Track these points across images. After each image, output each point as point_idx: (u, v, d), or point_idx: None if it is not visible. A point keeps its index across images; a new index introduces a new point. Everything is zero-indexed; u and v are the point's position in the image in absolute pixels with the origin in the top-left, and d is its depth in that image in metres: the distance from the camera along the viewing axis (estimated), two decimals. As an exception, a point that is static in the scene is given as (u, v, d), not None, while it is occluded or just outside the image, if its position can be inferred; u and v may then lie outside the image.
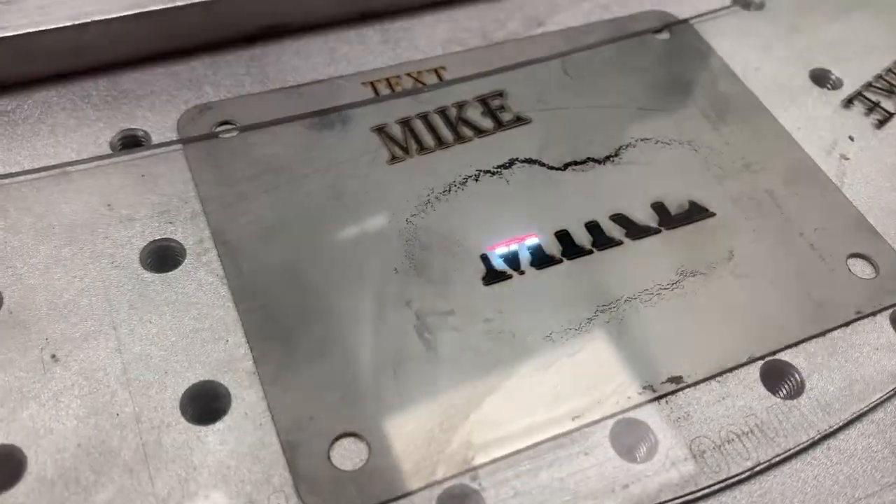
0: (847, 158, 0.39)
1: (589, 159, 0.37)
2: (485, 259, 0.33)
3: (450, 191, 0.35)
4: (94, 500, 0.27)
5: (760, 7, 0.46)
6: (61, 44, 0.36)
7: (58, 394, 0.29)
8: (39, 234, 0.32)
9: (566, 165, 0.37)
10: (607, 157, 0.37)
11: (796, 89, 0.42)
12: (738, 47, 0.43)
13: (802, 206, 0.37)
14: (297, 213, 0.34)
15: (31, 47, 0.36)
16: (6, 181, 0.34)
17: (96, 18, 0.36)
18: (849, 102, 0.42)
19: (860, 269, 0.35)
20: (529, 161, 0.37)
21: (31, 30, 0.35)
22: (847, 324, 0.33)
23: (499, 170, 0.36)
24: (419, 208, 0.35)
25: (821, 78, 0.43)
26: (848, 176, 0.38)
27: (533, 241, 0.34)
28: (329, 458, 0.28)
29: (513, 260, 0.33)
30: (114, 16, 0.36)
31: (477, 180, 0.36)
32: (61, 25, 0.35)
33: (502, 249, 0.33)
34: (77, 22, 0.36)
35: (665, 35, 0.43)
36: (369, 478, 0.28)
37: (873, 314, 0.34)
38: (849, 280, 0.35)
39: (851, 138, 0.40)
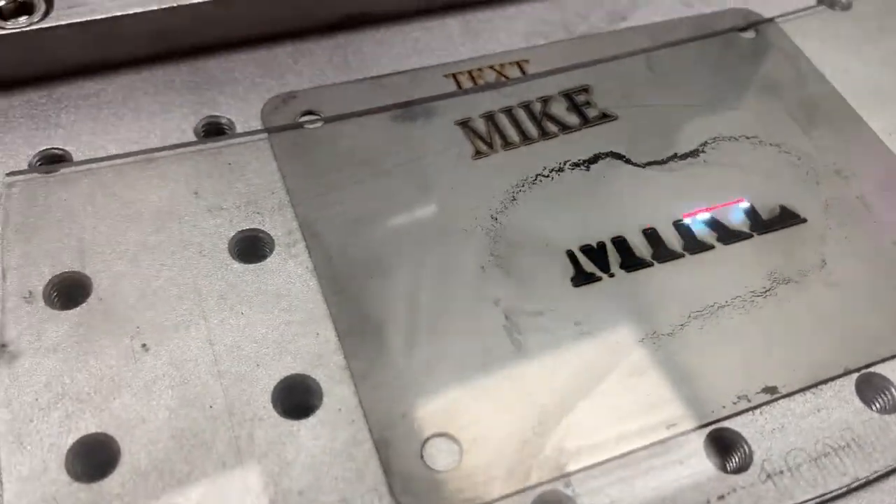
0: (941, 166, 0.38)
1: (675, 156, 0.36)
2: (572, 257, 0.33)
3: (535, 185, 0.35)
4: (188, 493, 0.26)
5: (847, 7, 0.45)
6: (147, 27, 0.36)
7: (149, 383, 0.28)
8: (127, 221, 0.32)
9: (653, 163, 0.36)
10: (693, 154, 0.37)
11: (887, 93, 0.41)
12: (826, 48, 0.42)
13: (894, 212, 0.36)
14: (383, 207, 0.34)
15: (117, 30, 0.36)
16: (94, 166, 0.34)
17: (184, 2, 0.35)
18: (941, 107, 0.40)
19: (957, 281, 0.34)
20: (616, 156, 0.36)
21: (117, 13, 0.35)
22: (945, 337, 0.32)
23: (584, 164, 0.36)
24: (504, 204, 0.34)
25: (912, 81, 0.42)
26: (942, 184, 0.37)
27: (620, 237, 0.33)
28: (422, 457, 0.28)
29: (602, 261, 0.33)
30: (201, 0, 0.36)
31: (561, 173, 0.35)
32: (149, 9, 0.35)
33: (588, 245, 0.33)
34: (164, 6, 0.35)
35: (750, 34, 0.42)
36: (463, 479, 0.27)
37: (972, 328, 0.33)
38: (945, 292, 0.34)
39: (945, 145, 0.39)
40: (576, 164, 0.36)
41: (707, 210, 0.34)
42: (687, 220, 0.34)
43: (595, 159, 0.36)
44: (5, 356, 0.28)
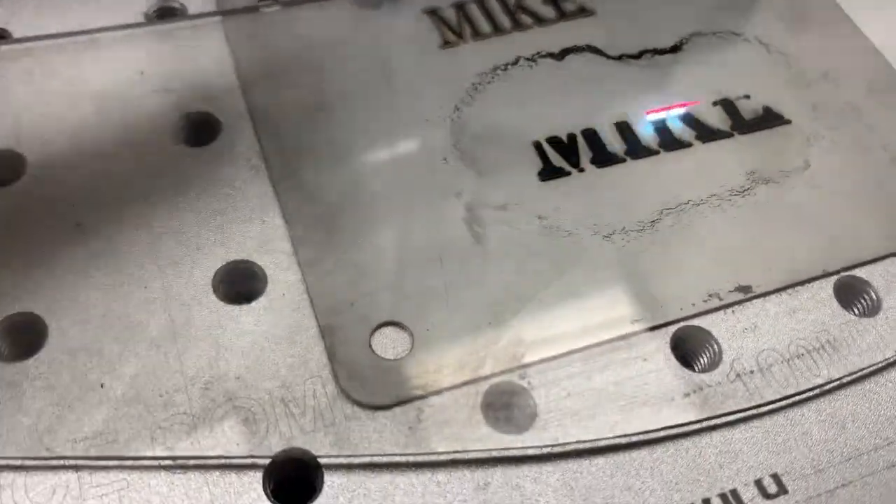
0: (935, 73, 0.36)
1: (654, 51, 0.34)
2: (540, 150, 0.31)
3: (504, 75, 0.33)
4: (118, 373, 0.25)
5: (844, -88, 0.42)
6: None
7: (83, 263, 0.27)
8: (66, 100, 0.30)
9: (630, 57, 0.34)
10: (672, 50, 0.35)
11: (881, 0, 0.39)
12: (820, -48, 0.40)
13: (885, 118, 0.34)
14: (341, 95, 0.32)
15: None
16: (33, 44, 0.32)
17: None
18: (938, 15, 0.38)
19: (946, 187, 0.32)
20: (591, 49, 0.34)
21: None
22: (929, 243, 0.31)
23: (557, 56, 0.34)
24: (470, 95, 0.32)
25: (908, -11, 0.39)
26: (935, 91, 0.35)
27: (590, 130, 0.31)
28: (370, 345, 0.26)
29: (572, 156, 0.31)
30: None
31: (532, 65, 0.33)
32: None
33: (556, 138, 0.31)
34: None
35: (742, -66, 0.40)
36: (412, 369, 0.26)
37: (958, 235, 0.31)
38: (933, 199, 0.32)
39: (939, 53, 0.37)
40: (549, 55, 0.34)
41: (681, 106, 0.32)
42: (661, 115, 0.32)
43: (568, 51, 0.34)
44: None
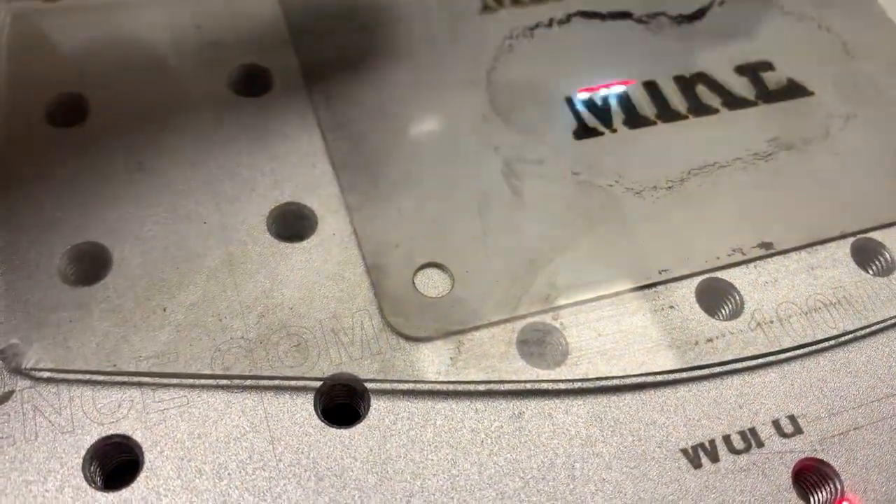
0: (953, 52, 0.37)
1: (684, 17, 0.36)
2: (574, 110, 0.32)
3: (536, 35, 0.34)
4: (178, 299, 0.26)
5: None
6: None
7: (145, 199, 0.28)
8: (127, 49, 0.32)
9: (659, 21, 0.36)
10: (702, 16, 0.36)
11: (904, -20, 0.40)
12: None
13: (904, 94, 0.35)
14: (385, 52, 0.33)
15: None
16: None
17: None
18: (958, -1, 0.40)
19: (961, 159, 0.34)
20: (621, 16, 0.36)
21: None
22: (943, 211, 0.32)
23: (587, 16, 0.35)
24: (506, 55, 0.34)
25: (930, -28, 0.41)
26: (953, 70, 0.37)
27: (621, 89, 0.33)
28: (413, 284, 0.28)
29: (605, 117, 0.32)
30: None
31: (565, 27, 0.35)
32: None
33: (588, 95, 0.33)
34: None
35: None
36: (452, 306, 0.27)
37: (971, 203, 0.33)
38: (948, 170, 0.33)
39: (959, 34, 0.38)
40: (582, 13, 0.35)
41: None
42: (687, 78, 0.34)
43: (599, 16, 0.36)
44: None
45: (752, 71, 0.35)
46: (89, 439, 0.24)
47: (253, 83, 0.32)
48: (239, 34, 0.33)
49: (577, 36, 0.35)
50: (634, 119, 0.33)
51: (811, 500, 0.26)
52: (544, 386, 0.26)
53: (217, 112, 0.31)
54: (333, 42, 0.33)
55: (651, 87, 0.34)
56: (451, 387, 0.26)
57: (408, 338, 0.27)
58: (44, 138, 0.29)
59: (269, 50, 0.33)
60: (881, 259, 0.31)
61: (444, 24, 0.34)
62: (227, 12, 0.33)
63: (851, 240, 0.31)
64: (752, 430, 0.26)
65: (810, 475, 0.26)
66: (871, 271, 0.31)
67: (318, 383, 0.25)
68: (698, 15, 0.36)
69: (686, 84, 0.34)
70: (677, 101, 0.33)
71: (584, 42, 0.35)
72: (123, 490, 0.23)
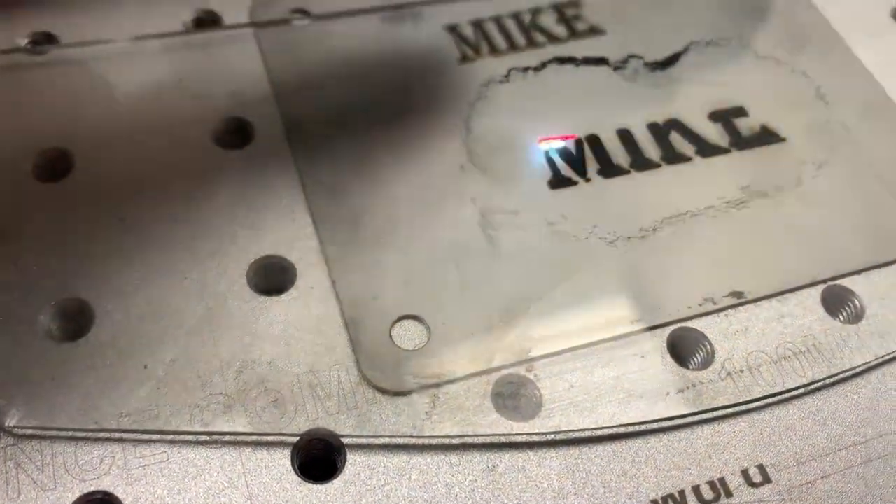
0: (924, 97, 0.38)
1: (658, 65, 0.37)
2: (548, 157, 0.33)
3: (511, 83, 0.35)
4: (159, 356, 0.27)
5: (845, -61, 0.44)
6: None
7: (127, 254, 0.29)
8: (110, 102, 0.33)
9: (636, 70, 0.36)
10: (675, 63, 0.37)
11: (876, 26, 0.41)
12: (819, -23, 0.42)
13: (875, 140, 0.36)
14: (365, 104, 0.34)
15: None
16: (79, 50, 0.34)
17: None
18: (929, 42, 0.41)
19: (930, 205, 0.35)
20: (596, 61, 0.36)
21: None
22: (912, 257, 0.33)
23: (562, 62, 0.36)
24: (481, 104, 0.35)
25: (903, 16, 0.42)
26: (923, 114, 0.38)
27: (594, 138, 0.34)
28: (391, 336, 0.28)
29: (579, 166, 0.33)
30: None
31: (539, 71, 0.36)
32: None
33: (560, 144, 0.34)
34: None
35: (747, -40, 0.42)
36: (428, 359, 0.28)
37: (940, 250, 0.33)
38: (918, 215, 0.34)
39: (930, 78, 0.39)
40: (557, 60, 0.36)
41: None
42: (661, 126, 0.35)
43: (574, 62, 0.36)
44: (-14, 221, 0.29)
45: (725, 117, 0.36)
46: (71, 496, 0.25)
47: (235, 136, 0.33)
48: (221, 87, 0.34)
49: (552, 83, 0.36)
50: (608, 168, 0.33)
51: (778, 550, 0.26)
52: (518, 439, 0.27)
53: (199, 165, 0.31)
54: (315, 94, 0.34)
55: (625, 135, 0.34)
56: (426, 440, 0.26)
57: (384, 391, 0.27)
58: (28, 193, 0.30)
59: (252, 103, 0.33)
60: (850, 306, 0.32)
61: (424, 74, 0.35)
62: (209, 65, 0.34)
63: (822, 287, 0.32)
64: (722, 480, 0.27)
65: (778, 525, 0.27)
66: (840, 318, 0.31)
67: (296, 438, 0.26)
68: (672, 61, 0.37)
69: (660, 131, 0.35)
70: (651, 149, 0.34)
71: (558, 89, 0.36)
72: (103, 548, 0.24)
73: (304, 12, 0.36)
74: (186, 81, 0.34)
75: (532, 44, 0.37)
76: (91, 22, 0.35)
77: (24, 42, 0.34)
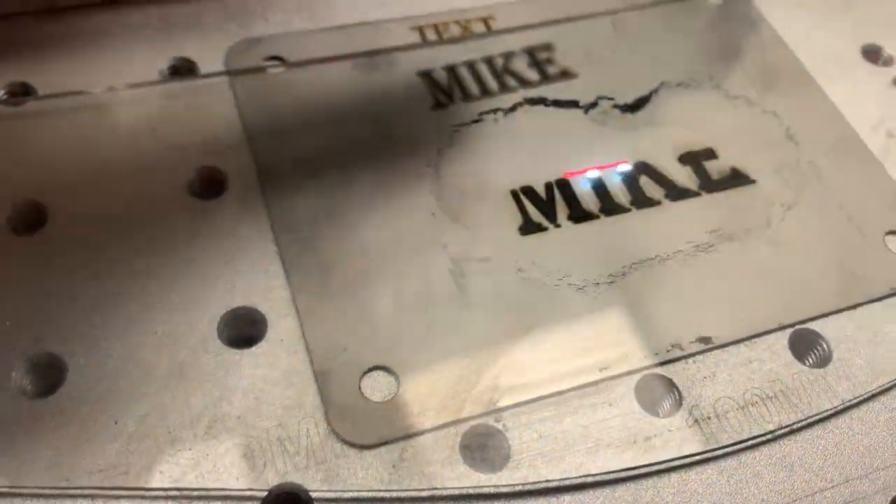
0: (893, 136, 0.39)
1: (628, 108, 0.37)
2: (519, 204, 0.33)
3: (480, 126, 0.36)
4: (130, 411, 0.27)
5: (816, -22, 0.45)
6: (117, -32, 0.37)
7: (99, 308, 0.29)
8: (86, 154, 0.33)
9: (605, 113, 0.37)
10: (644, 108, 0.38)
11: (847, 63, 0.41)
12: (791, 17, 0.43)
13: (844, 180, 0.37)
14: (339, 152, 0.34)
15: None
16: (56, 101, 0.34)
17: (153, -55, 0.36)
18: (899, 80, 0.41)
19: (897, 246, 0.35)
20: (567, 104, 0.37)
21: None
22: (880, 299, 0.33)
23: (533, 102, 0.37)
24: (452, 150, 0.35)
25: (872, 54, 0.42)
26: (892, 154, 0.38)
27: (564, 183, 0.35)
28: (360, 388, 0.29)
29: (550, 211, 0.34)
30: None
31: (509, 114, 0.36)
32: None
33: (534, 192, 0.34)
34: (134, -53, 0.36)
35: (717, 0, 0.43)
36: (397, 410, 0.28)
37: (907, 292, 0.34)
38: (885, 256, 0.34)
39: (899, 116, 0.40)
40: (532, 101, 0.36)
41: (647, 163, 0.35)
42: (630, 170, 0.35)
43: (545, 103, 0.37)
44: (-40, 277, 0.29)
45: (695, 160, 0.36)
46: (41, 554, 0.25)
47: (209, 186, 0.33)
48: (196, 136, 0.34)
49: (522, 126, 0.36)
50: (578, 213, 0.34)
51: None
52: (486, 490, 0.27)
53: (172, 217, 0.32)
54: (289, 142, 0.34)
55: (595, 179, 0.35)
56: (394, 494, 0.27)
57: (353, 445, 0.27)
58: (1, 245, 0.30)
59: (226, 152, 0.34)
60: (818, 350, 0.32)
61: (397, 121, 0.36)
62: (184, 114, 0.34)
63: (789, 331, 0.32)
64: (689, 529, 0.27)
65: (743, 575, 0.27)
66: (807, 363, 0.32)
67: (264, 493, 0.26)
68: (642, 103, 0.38)
69: (629, 175, 0.35)
70: (620, 193, 0.34)
71: (528, 133, 0.36)
72: None
73: (279, 59, 0.37)
74: (161, 131, 0.34)
75: (504, 88, 0.37)
76: (68, 72, 0.35)
77: (0, 93, 0.34)
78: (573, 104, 0.37)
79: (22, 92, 0.35)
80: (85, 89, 0.35)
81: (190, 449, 0.27)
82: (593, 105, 0.37)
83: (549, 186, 0.34)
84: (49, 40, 0.37)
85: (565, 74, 0.38)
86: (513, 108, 0.37)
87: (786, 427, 0.30)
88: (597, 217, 0.34)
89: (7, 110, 0.34)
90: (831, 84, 0.40)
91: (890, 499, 0.29)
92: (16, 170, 0.32)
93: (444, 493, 0.27)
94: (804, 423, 0.30)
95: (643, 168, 0.35)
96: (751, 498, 0.28)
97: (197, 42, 0.37)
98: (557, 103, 0.37)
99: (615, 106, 0.37)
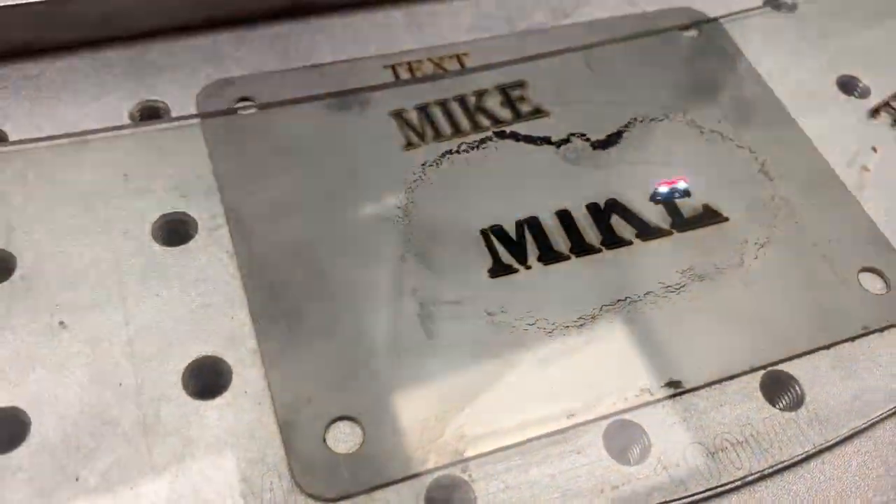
0: (868, 170, 0.38)
1: (600, 144, 0.37)
2: (489, 245, 0.33)
3: (450, 161, 0.36)
4: (92, 466, 0.27)
5: (792, 9, 0.45)
6: (88, 11, 0.37)
7: (64, 360, 0.29)
8: (56, 201, 0.33)
9: (578, 150, 0.37)
10: (617, 144, 0.37)
11: (822, 96, 0.41)
12: (767, 49, 0.43)
13: (818, 216, 0.36)
14: (310, 194, 0.34)
15: (58, 13, 0.36)
16: (27, 146, 0.34)
17: (124, -12, 0.36)
18: (875, 112, 0.41)
19: (871, 283, 0.35)
20: (539, 141, 0.37)
21: (59, -4, 0.36)
22: (853, 338, 0.33)
23: (503, 137, 0.37)
24: (422, 188, 0.35)
25: (848, 85, 0.42)
26: (867, 188, 0.38)
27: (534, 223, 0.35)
28: (324, 440, 0.28)
29: (520, 253, 0.33)
30: (141, -14, 0.36)
31: (478, 149, 0.37)
32: (89, -7, 0.36)
33: (505, 233, 0.34)
34: (105, -9, 0.36)
35: (693, 33, 0.43)
36: (362, 462, 0.28)
37: (881, 330, 0.33)
38: (859, 294, 0.34)
39: (874, 149, 0.39)
40: (501, 135, 0.37)
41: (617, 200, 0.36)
42: (601, 208, 0.35)
43: (515, 136, 0.37)
44: (-76, 330, 0.29)
45: (667, 199, 0.36)
46: None
47: (176, 232, 0.33)
48: (166, 181, 0.34)
49: (493, 164, 0.36)
50: (548, 254, 0.34)
51: None
52: (449, 544, 0.27)
53: (140, 264, 0.32)
54: (259, 186, 0.34)
55: (566, 219, 0.35)
56: (357, 548, 0.26)
57: (317, 498, 0.27)
58: (-32, 296, 0.30)
59: (195, 196, 0.34)
60: (791, 392, 0.32)
61: (368, 162, 0.35)
62: (154, 158, 0.34)
63: (762, 373, 0.32)
64: (656, 581, 0.27)
65: None
66: (779, 405, 0.31)
67: (226, 551, 0.26)
68: (615, 139, 0.38)
69: (600, 214, 0.35)
70: (591, 233, 0.34)
71: (499, 170, 0.36)
72: None
73: (250, 100, 0.37)
74: (131, 176, 0.34)
75: (477, 127, 0.37)
76: (39, 117, 0.35)
77: (-30, 140, 0.34)
78: (545, 140, 0.37)
79: (-8, 138, 0.35)
80: (56, 133, 0.35)
81: (152, 505, 0.27)
82: (565, 141, 0.37)
83: (519, 225, 0.34)
84: (20, 82, 0.36)
85: (538, 112, 0.38)
86: (483, 143, 0.37)
87: (756, 473, 0.29)
88: (567, 258, 0.34)
89: (-25, 156, 0.34)
90: (807, 117, 0.40)
91: (861, 546, 0.28)
92: (-17, 218, 0.32)
93: (408, 547, 0.27)
94: (775, 468, 0.30)
95: (614, 206, 0.35)
96: (721, 546, 0.28)
97: (169, 84, 0.37)
98: (529, 139, 0.37)
99: (587, 141, 0.37)
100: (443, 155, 0.36)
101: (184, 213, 0.33)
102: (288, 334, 0.30)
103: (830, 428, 0.31)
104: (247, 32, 0.40)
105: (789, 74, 0.42)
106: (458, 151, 0.36)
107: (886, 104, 0.41)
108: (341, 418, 0.29)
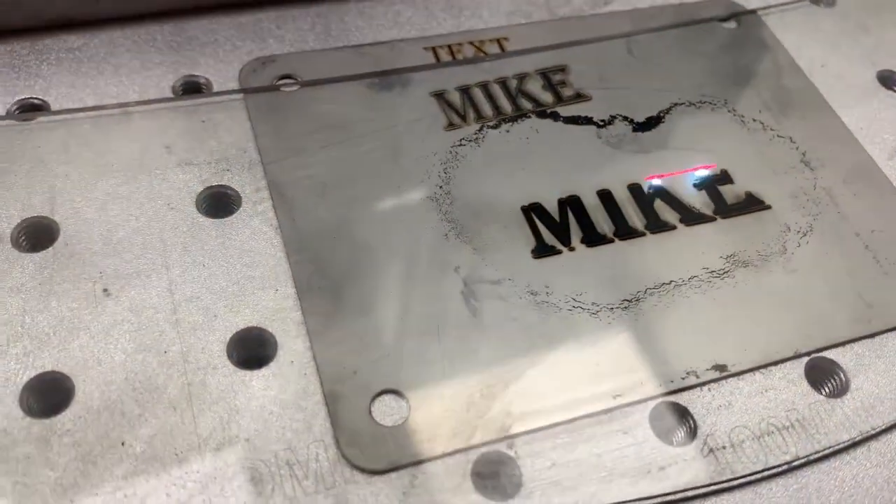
0: (909, 163, 0.38)
1: (641, 127, 0.37)
2: (532, 227, 0.33)
3: (488, 141, 0.36)
4: (137, 433, 0.27)
5: (831, 4, 0.45)
6: (132, -15, 0.37)
7: (108, 327, 0.29)
8: (98, 171, 0.33)
9: (620, 133, 0.37)
10: (658, 128, 0.37)
11: (862, 89, 0.41)
12: (806, 42, 0.43)
13: (860, 206, 0.36)
14: (352, 171, 0.34)
15: (103, -14, 0.36)
16: (69, 116, 0.34)
17: (169, -38, 0.36)
18: (915, 107, 0.41)
19: (914, 274, 0.34)
20: (581, 121, 0.37)
21: (104, -32, 0.36)
22: (896, 328, 0.33)
23: (543, 116, 0.37)
24: (461, 167, 0.35)
25: (888, 80, 0.42)
26: (909, 181, 0.38)
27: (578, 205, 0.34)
28: (370, 412, 0.28)
29: (563, 234, 0.33)
30: (185, -39, 0.36)
31: (520, 121, 0.37)
32: (134, -34, 0.36)
33: (545, 213, 0.34)
34: (150, -36, 0.36)
35: (732, 24, 0.43)
36: (408, 435, 0.28)
37: (924, 321, 0.33)
38: (902, 284, 0.34)
39: (915, 143, 0.39)
40: (542, 115, 0.36)
41: (666, 175, 0.35)
42: (643, 186, 0.35)
43: (557, 116, 0.37)
44: (-32, 293, 0.29)
45: (710, 184, 0.36)
46: (43, 578, 0.24)
47: (220, 204, 0.33)
48: (208, 154, 0.34)
49: (534, 143, 0.36)
50: (592, 237, 0.33)
51: None
52: (497, 519, 0.27)
53: (184, 235, 0.31)
54: (302, 161, 0.34)
55: (609, 203, 0.34)
56: (404, 521, 0.26)
57: (362, 470, 0.27)
58: (9, 261, 0.30)
59: (239, 170, 0.33)
60: (835, 379, 0.31)
61: (410, 141, 0.35)
62: (197, 132, 0.34)
63: (806, 359, 0.32)
64: (703, 562, 0.27)
65: None
66: (824, 392, 0.31)
67: (272, 519, 0.26)
68: (653, 122, 0.37)
69: (644, 199, 0.35)
70: (635, 217, 0.34)
71: (539, 150, 0.36)
72: None
73: (292, 78, 0.37)
74: (174, 148, 0.34)
75: (518, 110, 0.37)
76: (81, 87, 0.35)
77: (13, 108, 0.34)
78: (587, 120, 0.37)
79: (33, 108, 0.34)
80: (98, 104, 0.34)
81: (198, 472, 0.26)
82: (607, 122, 0.37)
83: (561, 204, 0.34)
84: (63, 55, 0.36)
85: (579, 96, 0.38)
86: (524, 122, 0.36)
87: (803, 458, 0.29)
88: (611, 241, 0.33)
89: (19, 125, 0.34)
90: (847, 110, 0.40)
91: (909, 533, 0.28)
92: (27, 185, 0.32)
93: (456, 521, 0.26)
94: (821, 454, 0.29)
95: (658, 191, 0.35)
96: (767, 530, 0.28)
97: (211, 59, 0.37)
98: (571, 119, 0.37)
99: (629, 123, 0.37)
100: (483, 133, 0.36)
101: (227, 186, 0.33)
102: (333, 308, 0.30)
103: (876, 415, 0.31)
104: (288, 11, 0.40)
105: (829, 67, 0.42)
106: (498, 129, 0.36)
107: (926, 99, 0.41)
108: (386, 391, 0.29)
